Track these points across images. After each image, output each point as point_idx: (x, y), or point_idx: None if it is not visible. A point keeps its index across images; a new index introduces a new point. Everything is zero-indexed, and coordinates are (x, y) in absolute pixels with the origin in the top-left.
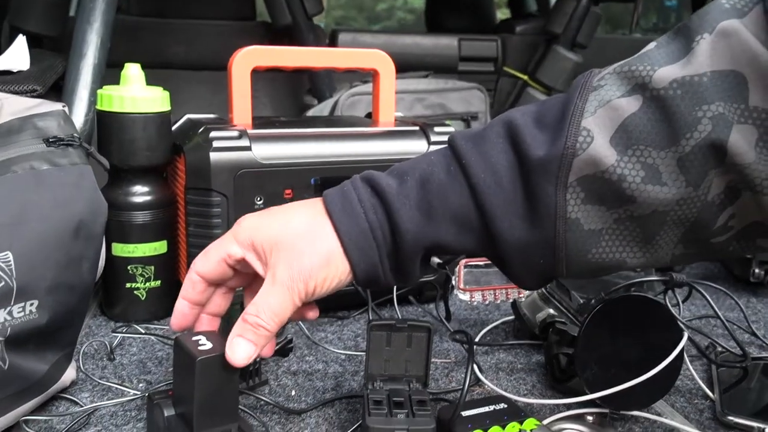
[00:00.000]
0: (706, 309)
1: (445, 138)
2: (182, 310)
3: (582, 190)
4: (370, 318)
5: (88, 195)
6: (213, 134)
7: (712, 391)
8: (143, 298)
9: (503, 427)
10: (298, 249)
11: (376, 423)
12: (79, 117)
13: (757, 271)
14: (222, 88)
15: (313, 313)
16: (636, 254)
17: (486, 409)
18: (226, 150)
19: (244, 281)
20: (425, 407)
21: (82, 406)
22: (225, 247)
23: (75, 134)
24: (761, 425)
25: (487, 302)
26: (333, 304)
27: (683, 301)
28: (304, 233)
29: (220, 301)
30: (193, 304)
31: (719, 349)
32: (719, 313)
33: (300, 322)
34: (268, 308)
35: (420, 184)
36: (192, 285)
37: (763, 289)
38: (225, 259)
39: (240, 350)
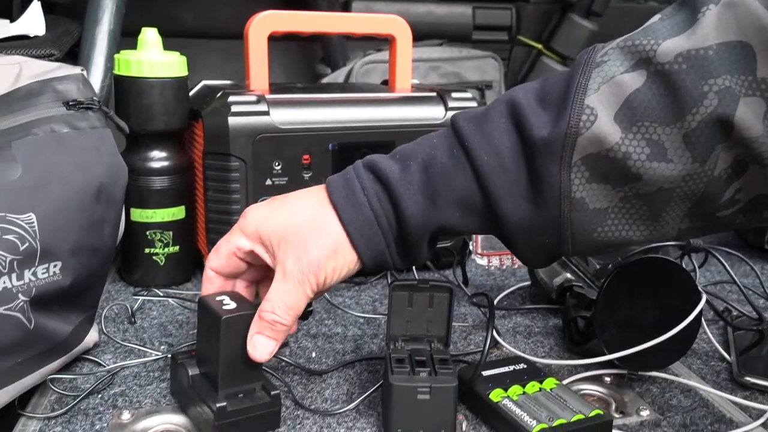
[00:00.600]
0: (721, 275)
1: (463, 105)
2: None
3: (587, 170)
4: (389, 281)
5: (108, 159)
6: (231, 99)
7: (729, 354)
8: (162, 264)
9: (523, 386)
10: (305, 241)
11: (399, 381)
12: (96, 83)
13: None
14: (234, 57)
15: (326, 289)
16: (642, 231)
17: (506, 369)
18: (244, 114)
19: (260, 274)
20: (447, 365)
21: (105, 367)
22: (234, 241)
23: (94, 98)
24: None
25: (504, 267)
26: None
27: (699, 267)
28: (309, 225)
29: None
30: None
31: (735, 313)
32: (735, 278)
33: None
34: (282, 303)
35: (423, 169)
36: (209, 281)
37: None
38: (235, 252)
39: (261, 347)
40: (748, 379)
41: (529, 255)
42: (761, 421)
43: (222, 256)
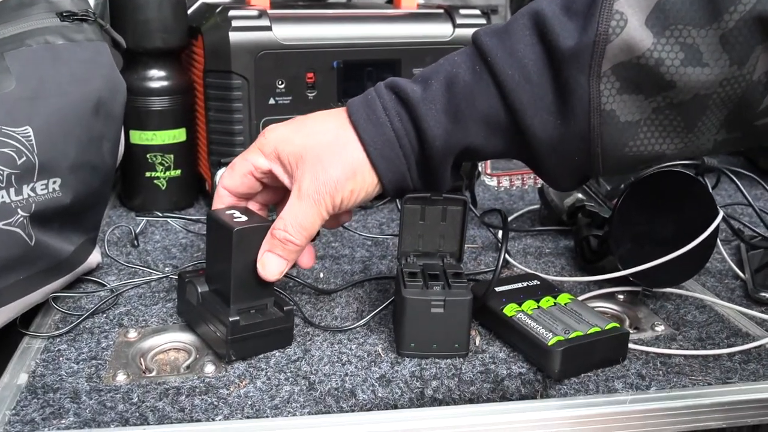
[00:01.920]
0: (731, 198)
1: (472, 21)
2: None
3: (617, 79)
4: (397, 202)
5: (105, 72)
6: (232, 13)
7: (743, 272)
8: (163, 188)
9: (537, 301)
10: (324, 161)
11: (413, 294)
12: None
13: None
14: None
15: (346, 217)
16: (677, 144)
17: (519, 285)
18: (245, 30)
19: (273, 197)
20: (461, 279)
21: (109, 287)
22: (251, 160)
23: (89, 9)
24: None
25: (514, 187)
26: None
27: (713, 188)
28: (329, 144)
29: None
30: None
31: (748, 233)
32: (749, 198)
33: None
34: (296, 222)
35: (446, 88)
36: (221, 200)
37: None
38: (251, 171)
39: (271, 265)
40: (763, 294)
41: (558, 175)
42: None
43: (237, 175)
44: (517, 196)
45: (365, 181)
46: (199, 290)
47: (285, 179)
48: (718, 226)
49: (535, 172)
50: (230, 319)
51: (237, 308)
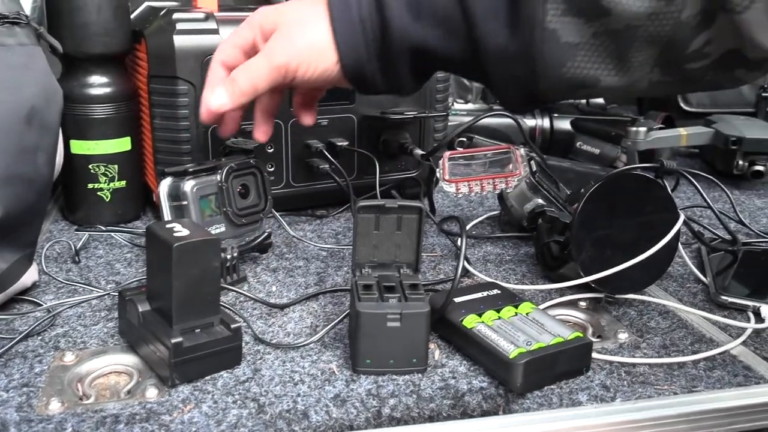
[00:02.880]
0: (691, 200)
1: None
2: (229, 117)
3: (563, 2)
4: (354, 211)
5: (39, 78)
6: (176, 16)
7: (704, 275)
8: (108, 200)
9: (498, 312)
10: (292, 30)
11: (368, 308)
12: (26, 3)
13: (740, 162)
14: None
15: (308, 118)
16: (611, 71)
17: (479, 295)
18: (191, 33)
19: (277, 100)
20: (418, 291)
21: (45, 306)
22: (240, 34)
23: (21, 12)
24: (756, 303)
25: (473, 194)
26: (313, 203)
27: (672, 191)
28: (301, 18)
29: (269, 101)
30: (235, 111)
31: (708, 235)
32: (708, 201)
33: (280, 217)
34: (248, 70)
35: None
36: (213, 74)
37: (745, 182)
38: (240, 45)
39: (216, 95)
40: (725, 298)
41: (506, 91)
42: (741, 339)
43: (228, 48)
44: (476, 202)
45: (325, 57)
46: (140, 309)
47: (261, 46)
48: (679, 230)
49: (486, 87)
50: (172, 341)
51: (180, 328)
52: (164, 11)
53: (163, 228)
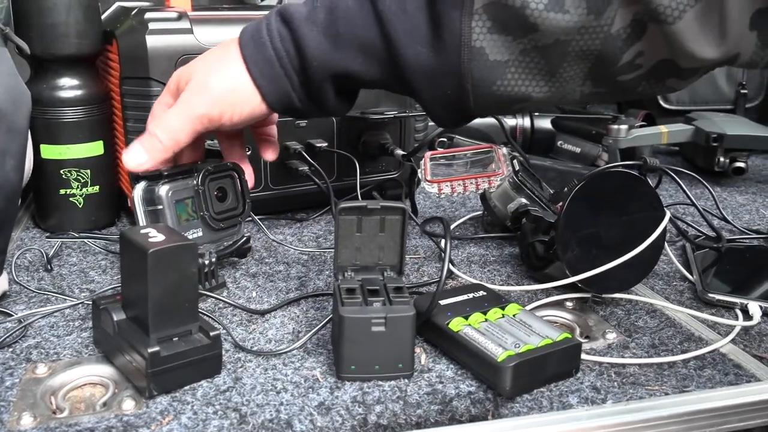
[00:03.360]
0: (673, 197)
1: None
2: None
3: (488, 18)
4: (334, 213)
5: (5, 81)
6: (149, 15)
7: (690, 273)
8: (80, 206)
9: (485, 314)
10: (208, 78)
11: (351, 312)
12: None
13: (722, 159)
14: None
15: (270, 153)
16: (542, 88)
17: (464, 297)
18: (164, 32)
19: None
20: (403, 294)
21: (15, 316)
22: (162, 99)
23: None
24: (743, 300)
25: (456, 194)
26: (292, 206)
27: (655, 188)
28: (215, 62)
29: (193, 151)
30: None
31: (692, 233)
32: (692, 198)
33: (259, 221)
34: (166, 124)
35: (328, 11)
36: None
37: (726, 179)
38: (167, 103)
39: (132, 152)
40: (712, 296)
41: (436, 109)
42: (730, 337)
43: (156, 107)
44: (458, 203)
45: (248, 97)
46: (115, 318)
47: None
48: (666, 228)
49: (418, 102)
50: (149, 351)
51: (157, 337)
52: (136, 11)
53: (138, 233)
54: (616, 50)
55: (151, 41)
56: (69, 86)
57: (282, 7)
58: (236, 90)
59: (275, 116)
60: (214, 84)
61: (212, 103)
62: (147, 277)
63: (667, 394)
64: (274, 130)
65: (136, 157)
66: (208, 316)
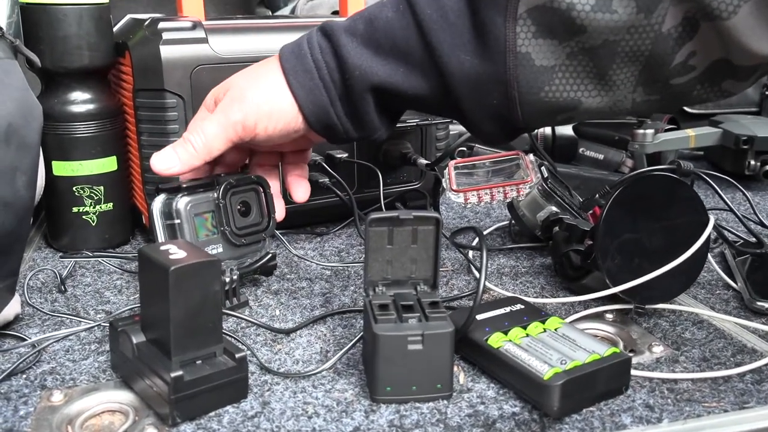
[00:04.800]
0: (706, 202)
1: None
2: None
3: (533, 23)
4: (358, 226)
5: (16, 94)
6: (162, 25)
7: (734, 281)
8: (94, 224)
9: (525, 328)
10: (245, 88)
11: (386, 330)
12: (0, 20)
13: (752, 163)
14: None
15: (301, 192)
16: (591, 92)
17: (501, 311)
18: (178, 42)
19: (240, 156)
20: (439, 309)
21: (29, 341)
22: (198, 115)
23: None
24: None
25: (482, 203)
26: (311, 219)
27: None
28: (253, 74)
29: (235, 157)
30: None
31: (731, 237)
32: (728, 202)
33: (280, 236)
34: (201, 130)
35: (368, 22)
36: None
37: (757, 183)
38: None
39: (163, 155)
40: (761, 304)
41: (482, 121)
42: None
43: (192, 122)
44: (483, 213)
45: (284, 110)
46: (135, 341)
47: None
48: (710, 234)
49: (460, 123)
50: (172, 375)
51: (180, 360)
52: (149, 21)
53: (157, 250)
54: (667, 50)
55: (165, 52)
56: (81, 100)
57: (324, 22)
58: (273, 99)
59: (308, 154)
60: (251, 93)
61: (248, 111)
62: (168, 296)
63: (726, 411)
64: (306, 168)
65: (167, 160)
66: (231, 336)
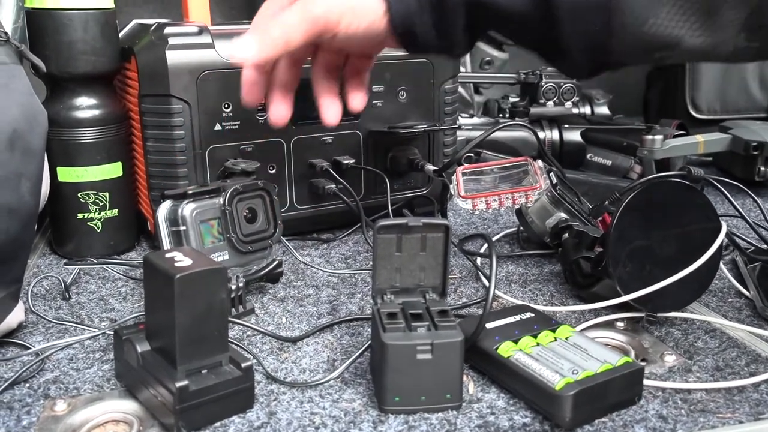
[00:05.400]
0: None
1: None
2: (249, 78)
3: None
4: (365, 232)
5: (21, 100)
6: (168, 30)
7: (746, 288)
8: (99, 230)
9: (535, 337)
10: None
11: (395, 339)
12: (6, 24)
13: (762, 169)
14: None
15: (357, 98)
16: (696, 31)
17: (512, 319)
18: (184, 48)
19: (335, 58)
20: (448, 318)
21: (33, 349)
22: (268, 10)
23: (1, 29)
24: None
25: (490, 209)
26: (318, 226)
27: None
28: None
29: (288, 73)
30: (259, 73)
31: (742, 244)
32: (739, 209)
33: (287, 243)
34: (282, 19)
35: None
36: (253, 28)
37: (767, 189)
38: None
39: (242, 43)
40: None
41: (575, 51)
42: None
43: (272, 2)
44: (490, 220)
45: (371, 7)
46: (139, 349)
47: None
48: (723, 241)
49: (546, 51)
50: (177, 385)
51: (185, 369)
52: (155, 26)
53: (163, 257)
54: None
55: (172, 57)
56: (86, 105)
57: None
58: None
59: (372, 62)
60: None
61: (333, 4)
62: (174, 304)
63: (741, 422)
64: (366, 76)
65: (245, 47)
66: (237, 344)
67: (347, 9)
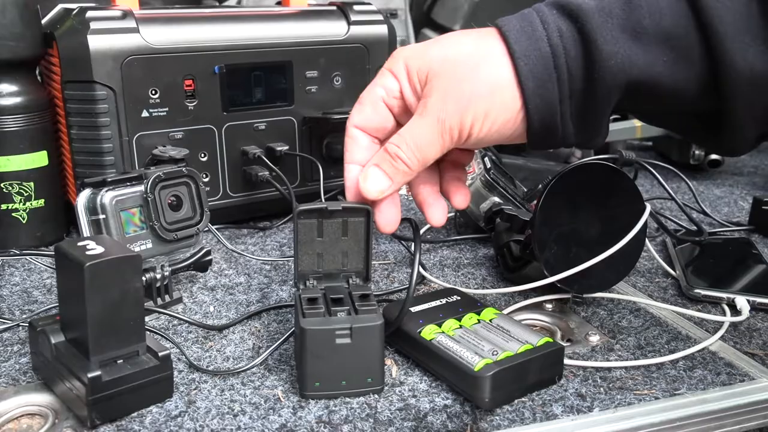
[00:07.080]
0: (650, 192)
1: (367, 18)
2: (385, 209)
3: None
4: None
5: None
6: (90, 14)
7: (673, 269)
8: (24, 221)
9: (459, 320)
10: (458, 75)
11: (313, 324)
12: None
13: (697, 152)
14: None
15: (461, 198)
16: None
17: (437, 302)
18: (107, 32)
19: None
20: (369, 302)
21: None
22: (380, 83)
23: None
24: (730, 295)
25: None
26: (253, 214)
27: None
28: (467, 57)
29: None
30: (394, 200)
31: (672, 227)
32: (670, 191)
33: (215, 230)
34: (411, 139)
35: (624, 1)
36: (354, 143)
37: (702, 172)
38: (382, 97)
39: (372, 179)
40: (698, 291)
41: (745, 127)
42: (719, 334)
43: (367, 106)
44: None
45: (505, 104)
46: (53, 341)
47: (412, 100)
48: (646, 222)
49: (709, 128)
50: (89, 375)
51: (99, 360)
52: (77, 10)
53: (74, 246)
54: None
55: (94, 42)
56: (7, 93)
57: None
58: (495, 93)
59: (473, 154)
60: (469, 87)
61: (466, 111)
62: (84, 294)
63: (657, 398)
64: (465, 170)
65: (377, 182)
66: (159, 334)
67: (479, 112)
